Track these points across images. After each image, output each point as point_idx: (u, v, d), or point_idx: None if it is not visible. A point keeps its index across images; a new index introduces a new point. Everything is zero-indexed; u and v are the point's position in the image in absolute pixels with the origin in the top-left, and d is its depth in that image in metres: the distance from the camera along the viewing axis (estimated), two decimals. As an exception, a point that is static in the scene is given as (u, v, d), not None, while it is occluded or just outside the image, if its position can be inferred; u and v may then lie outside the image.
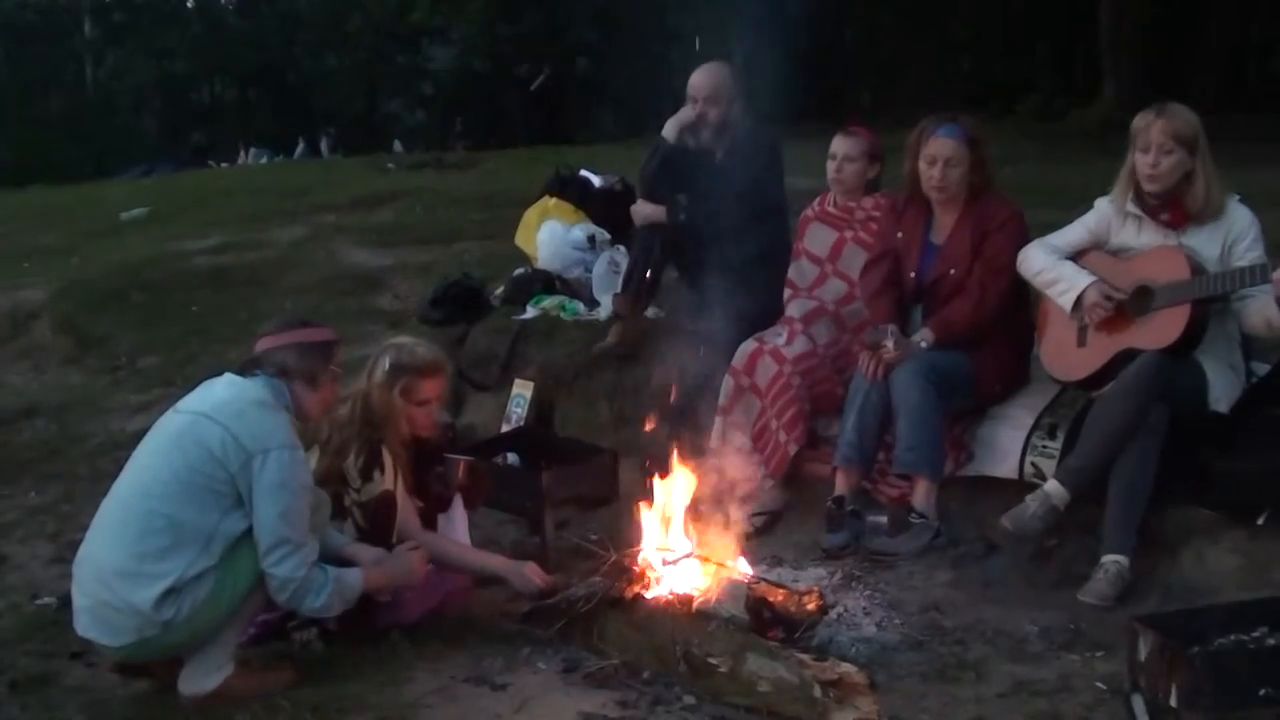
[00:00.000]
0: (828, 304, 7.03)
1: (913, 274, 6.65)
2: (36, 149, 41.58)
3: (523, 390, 8.09)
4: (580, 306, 8.79)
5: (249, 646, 5.21)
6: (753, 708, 4.65)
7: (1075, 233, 6.24)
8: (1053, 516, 5.70)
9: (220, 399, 4.82)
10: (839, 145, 7.09)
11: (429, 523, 5.84)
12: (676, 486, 5.64)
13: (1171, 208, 5.86)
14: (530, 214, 9.80)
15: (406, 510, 5.60)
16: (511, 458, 7.16)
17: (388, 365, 5.48)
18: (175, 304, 11.41)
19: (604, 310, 8.46)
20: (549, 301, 8.90)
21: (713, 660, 4.76)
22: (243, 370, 4.92)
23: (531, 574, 5.66)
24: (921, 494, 6.28)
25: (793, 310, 7.09)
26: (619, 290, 8.08)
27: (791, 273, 7.22)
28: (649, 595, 5.21)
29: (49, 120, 45.40)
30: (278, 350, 4.89)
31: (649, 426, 6.31)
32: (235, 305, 10.85)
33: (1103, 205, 6.18)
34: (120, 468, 4.98)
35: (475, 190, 15.65)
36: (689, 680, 4.82)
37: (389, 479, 5.45)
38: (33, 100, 45.77)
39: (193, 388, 5.08)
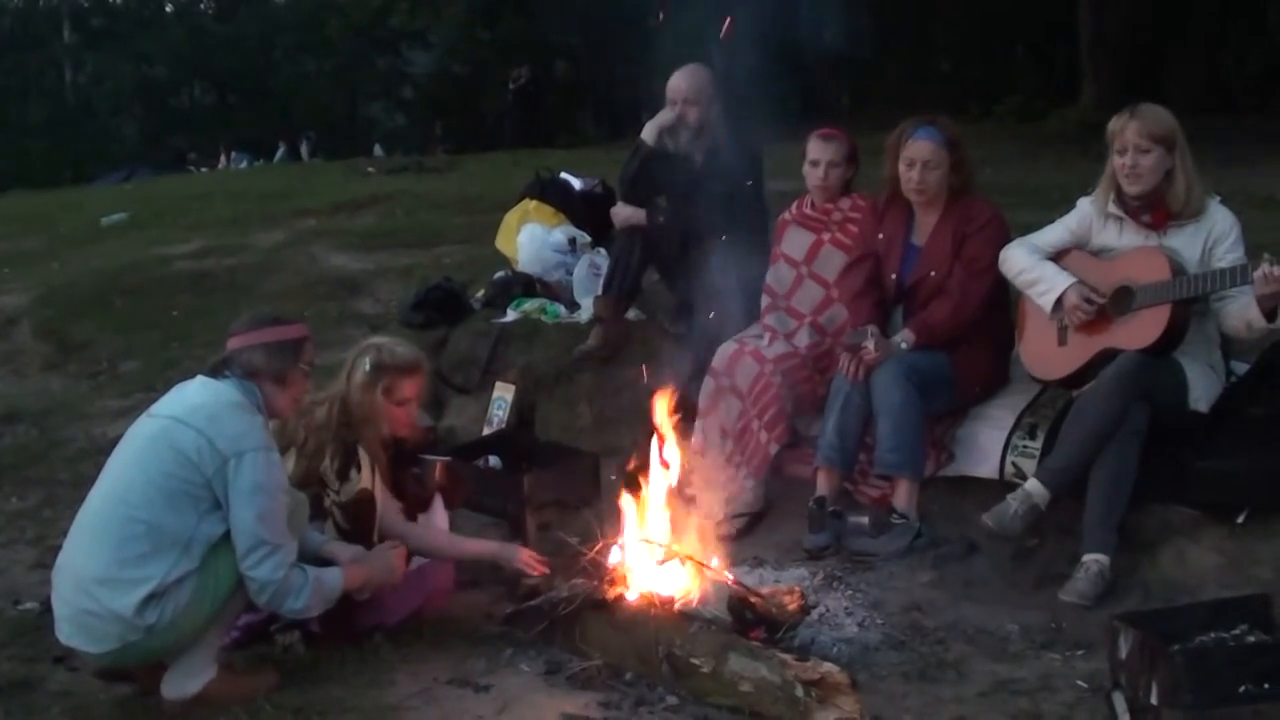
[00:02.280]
0: (805, 315, 7.04)
1: (893, 275, 6.67)
2: (15, 155, 41.48)
3: (504, 393, 8.09)
4: (561, 309, 8.79)
5: (232, 650, 5.21)
6: (735, 708, 4.66)
7: (1056, 233, 6.26)
8: (1033, 515, 5.72)
9: (193, 402, 4.81)
10: (821, 151, 7.08)
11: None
12: (657, 487, 5.65)
13: (1153, 209, 5.89)
14: (510, 217, 9.79)
15: (388, 508, 5.59)
16: (493, 461, 7.17)
17: (369, 365, 5.47)
18: (156, 309, 11.39)
19: (585, 313, 8.47)
20: (530, 304, 8.89)
21: (695, 661, 4.77)
22: (214, 371, 4.91)
23: (527, 559, 5.71)
24: (902, 494, 6.30)
25: (771, 322, 7.10)
26: (600, 293, 8.08)
27: (769, 277, 7.23)
28: (631, 597, 5.22)
29: (28, 126, 45.25)
30: (246, 350, 4.88)
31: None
32: (216, 310, 10.82)
33: (1084, 205, 6.20)
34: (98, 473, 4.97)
35: (456, 194, 15.64)
36: (671, 681, 4.83)
37: (366, 477, 5.44)
38: (11, 106, 45.62)
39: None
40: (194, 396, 4.85)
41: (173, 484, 4.63)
